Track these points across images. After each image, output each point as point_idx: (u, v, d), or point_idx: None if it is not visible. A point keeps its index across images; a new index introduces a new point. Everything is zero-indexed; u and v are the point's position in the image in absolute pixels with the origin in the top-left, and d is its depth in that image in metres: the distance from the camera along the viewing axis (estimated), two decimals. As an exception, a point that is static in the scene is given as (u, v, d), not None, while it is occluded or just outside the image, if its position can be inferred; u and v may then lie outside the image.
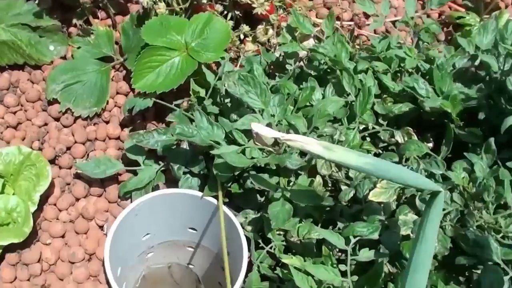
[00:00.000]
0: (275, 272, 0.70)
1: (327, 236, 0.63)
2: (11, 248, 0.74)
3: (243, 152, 0.71)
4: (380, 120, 0.76)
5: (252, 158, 0.70)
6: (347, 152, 0.56)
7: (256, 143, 0.60)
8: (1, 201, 0.73)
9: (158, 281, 0.86)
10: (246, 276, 0.70)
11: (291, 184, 0.71)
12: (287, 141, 0.57)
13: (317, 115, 0.70)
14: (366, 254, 0.63)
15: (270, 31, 0.89)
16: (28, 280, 0.75)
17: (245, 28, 0.89)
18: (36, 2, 0.91)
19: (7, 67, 0.89)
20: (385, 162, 0.56)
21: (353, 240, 0.63)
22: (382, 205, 0.66)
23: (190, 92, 0.79)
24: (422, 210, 0.63)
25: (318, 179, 0.71)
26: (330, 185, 0.73)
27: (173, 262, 0.85)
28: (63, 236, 0.78)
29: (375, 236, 0.64)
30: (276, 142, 0.64)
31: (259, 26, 0.89)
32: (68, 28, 0.93)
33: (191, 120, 0.78)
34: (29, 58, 0.88)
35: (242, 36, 0.90)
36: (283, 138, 0.57)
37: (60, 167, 0.82)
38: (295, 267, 0.64)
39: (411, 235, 0.63)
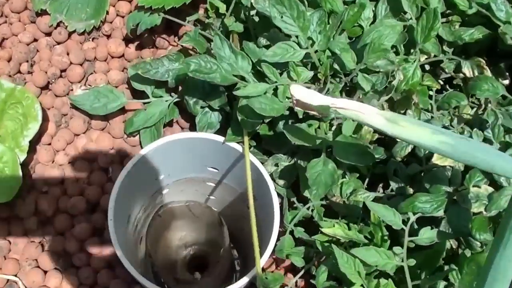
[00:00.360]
0: (312, 236, 0.59)
1: (380, 212, 0.51)
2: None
3: (274, 92, 0.57)
4: (445, 47, 0.61)
5: (288, 98, 0.57)
6: (418, 127, 0.43)
7: (296, 108, 0.46)
8: (-19, 147, 0.61)
9: (176, 215, 0.77)
10: (277, 239, 0.59)
11: (333, 129, 0.58)
12: (338, 109, 0.44)
13: (370, 49, 0.55)
14: (427, 235, 0.51)
15: None
16: (25, 235, 0.65)
17: None
18: None
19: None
20: (469, 142, 0.42)
21: (412, 218, 0.51)
22: (448, 172, 0.53)
23: (207, 7, 0.63)
24: (502, 186, 0.50)
25: (366, 127, 0.58)
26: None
27: (191, 199, 0.75)
28: (61, 183, 0.67)
29: (440, 213, 0.51)
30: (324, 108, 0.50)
31: None
32: None
33: (208, 40, 0.64)
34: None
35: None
36: (334, 106, 0.44)
37: (55, 95, 0.70)
38: (339, 246, 0.53)
39: (484, 212, 0.51)
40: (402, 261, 0.51)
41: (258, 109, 0.54)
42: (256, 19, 0.63)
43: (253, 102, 0.54)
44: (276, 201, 0.58)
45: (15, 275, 0.64)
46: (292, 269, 0.65)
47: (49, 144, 0.68)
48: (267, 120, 0.59)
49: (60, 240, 0.65)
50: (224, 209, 0.77)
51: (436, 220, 0.52)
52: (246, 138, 0.59)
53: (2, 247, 0.64)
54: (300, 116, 0.56)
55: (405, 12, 0.60)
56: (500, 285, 0.43)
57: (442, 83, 0.62)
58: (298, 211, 0.60)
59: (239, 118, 0.57)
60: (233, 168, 0.67)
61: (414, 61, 0.58)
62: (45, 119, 0.67)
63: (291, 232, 0.60)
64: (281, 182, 0.61)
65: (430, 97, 0.60)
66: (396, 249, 0.51)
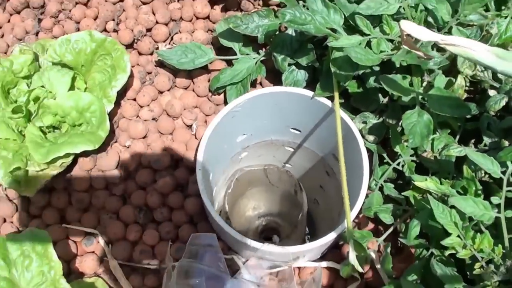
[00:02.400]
0: (402, 193, 0.63)
1: (479, 161, 0.55)
2: (84, 152, 0.70)
3: (368, 45, 0.62)
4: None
5: (381, 52, 0.62)
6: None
7: (404, 46, 0.51)
8: (71, 98, 0.68)
9: (252, 181, 0.82)
10: (366, 196, 0.64)
11: (424, 85, 0.63)
12: (447, 45, 0.48)
13: (465, 1, 0.59)
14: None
15: None
16: (105, 189, 0.71)
17: None
18: None
19: None
20: None
21: (511, 167, 0.55)
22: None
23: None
24: None
25: (460, 80, 0.62)
26: (472, 89, 0.64)
27: (269, 163, 0.80)
28: (144, 137, 0.73)
29: (539, 163, 0.56)
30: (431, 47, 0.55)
31: None
32: None
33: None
34: None
35: None
36: (443, 42, 0.48)
37: (140, 53, 0.76)
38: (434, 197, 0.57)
39: None
40: (499, 212, 0.55)
41: (354, 58, 0.59)
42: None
43: (350, 51, 0.59)
44: (365, 156, 0.63)
45: (94, 228, 0.70)
46: (375, 233, 0.69)
47: (134, 99, 0.74)
48: (359, 73, 0.64)
49: (141, 194, 0.70)
50: (300, 178, 0.82)
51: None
52: (336, 93, 0.64)
53: (83, 199, 0.70)
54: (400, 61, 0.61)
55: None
56: None
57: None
58: (387, 167, 0.64)
59: (332, 70, 0.62)
60: (316, 129, 0.72)
61: (507, 16, 0.62)
62: (130, 75, 0.74)
63: (380, 189, 0.65)
64: (371, 138, 0.66)
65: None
66: (494, 199, 0.55)
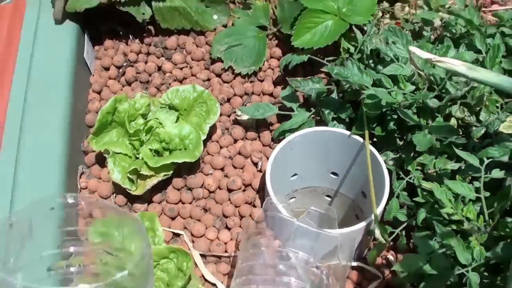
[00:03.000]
0: (413, 199, 0.90)
1: (464, 156, 0.83)
2: (178, 173, 0.99)
3: (389, 94, 0.93)
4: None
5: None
6: (487, 72, 0.78)
7: (411, 64, 0.83)
8: (176, 128, 0.98)
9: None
10: (386, 203, 0.90)
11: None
12: (437, 62, 0.79)
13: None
14: (497, 174, 0.83)
15: (407, 8, 1.12)
16: (190, 203, 0.99)
17: (385, 4, 1.13)
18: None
19: (175, 31, 1.16)
20: None
21: (486, 161, 0.83)
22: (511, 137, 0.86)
23: (341, 50, 1.03)
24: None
25: (453, 121, 0.92)
26: (462, 129, 0.94)
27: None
28: (222, 169, 1.02)
29: (505, 158, 0.83)
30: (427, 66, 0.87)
31: (397, 4, 1.13)
32: (229, 1, 1.20)
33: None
34: (195, 24, 1.15)
35: (380, 14, 1.14)
36: (435, 59, 0.79)
37: (221, 114, 1.07)
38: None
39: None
40: (479, 193, 0.82)
41: (380, 96, 0.89)
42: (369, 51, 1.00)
43: (378, 92, 0.90)
44: (387, 174, 0.91)
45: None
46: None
47: (217, 141, 1.04)
48: (384, 109, 0.94)
49: (219, 206, 0.98)
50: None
51: (506, 168, 0.84)
52: (366, 131, 0.94)
53: (173, 209, 0.98)
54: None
55: (479, 52, 0.97)
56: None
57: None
58: (402, 181, 0.92)
59: (364, 110, 0.93)
60: (350, 169, 1.00)
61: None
62: (214, 127, 1.04)
63: (397, 196, 0.92)
64: (390, 163, 0.94)
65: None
66: (475, 183, 0.83)
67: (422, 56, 0.79)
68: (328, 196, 1.06)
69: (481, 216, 0.80)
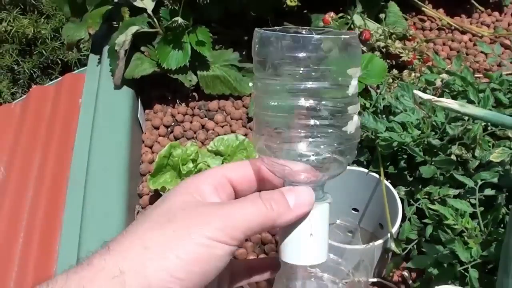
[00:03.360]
0: (422, 222, 1.10)
1: (461, 179, 1.04)
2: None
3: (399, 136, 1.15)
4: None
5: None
6: (475, 108, 0.99)
7: (415, 105, 1.05)
8: (222, 169, 1.19)
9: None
10: (400, 226, 1.10)
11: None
12: (436, 102, 1.01)
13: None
14: (489, 192, 1.03)
15: (413, 74, 1.36)
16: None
17: (395, 71, 1.36)
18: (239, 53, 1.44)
19: (216, 96, 1.40)
20: (502, 115, 0.99)
21: (479, 183, 1.04)
22: (499, 165, 1.07)
23: (358, 105, 1.25)
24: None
25: (453, 157, 1.13)
26: (461, 166, 1.15)
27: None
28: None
29: (495, 180, 1.03)
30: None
31: (405, 71, 1.37)
32: (263, 70, 1.44)
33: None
34: (234, 90, 1.39)
35: (391, 80, 1.37)
36: (433, 100, 1.01)
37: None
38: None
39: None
40: (475, 208, 1.02)
41: (393, 136, 1.11)
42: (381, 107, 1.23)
43: (391, 134, 1.11)
44: (399, 202, 1.11)
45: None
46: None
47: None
48: (395, 147, 1.15)
49: (256, 235, 1.18)
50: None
51: (497, 188, 1.04)
52: (381, 168, 1.15)
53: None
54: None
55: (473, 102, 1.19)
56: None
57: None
58: (413, 207, 1.12)
59: (379, 149, 1.14)
60: (370, 203, 1.20)
61: (478, 124, 1.16)
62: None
63: (409, 219, 1.11)
64: (402, 193, 1.15)
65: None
66: (472, 200, 1.03)
67: (423, 97, 1.01)
68: (349, 232, 1.25)
69: (477, 226, 1.00)
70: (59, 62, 2.14)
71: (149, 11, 1.34)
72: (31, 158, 1.35)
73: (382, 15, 1.39)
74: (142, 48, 1.35)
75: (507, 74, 1.25)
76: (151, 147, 1.33)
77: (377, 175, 1.15)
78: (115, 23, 1.41)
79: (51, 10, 2.14)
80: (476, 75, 1.34)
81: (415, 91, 1.05)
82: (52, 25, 2.15)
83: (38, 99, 1.48)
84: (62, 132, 1.39)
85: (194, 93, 1.41)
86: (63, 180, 1.27)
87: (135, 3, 1.34)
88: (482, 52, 1.42)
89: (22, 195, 1.28)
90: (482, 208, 1.02)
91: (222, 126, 1.35)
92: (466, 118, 1.13)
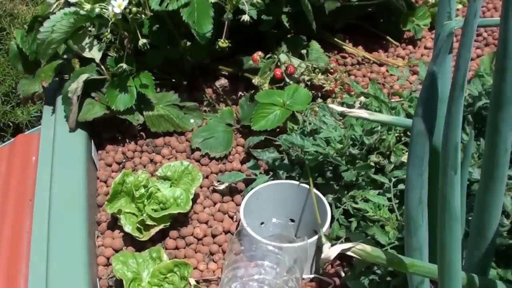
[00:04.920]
0: (349, 220, 1.30)
1: (378, 178, 1.25)
2: (174, 227, 1.39)
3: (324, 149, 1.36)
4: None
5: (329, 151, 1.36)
6: (382, 115, 1.22)
7: (334, 120, 1.27)
8: (171, 192, 1.38)
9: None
10: (330, 227, 1.30)
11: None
12: (349, 112, 1.23)
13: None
14: (401, 187, 1.25)
15: (336, 101, 1.59)
16: (184, 248, 1.37)
17: (319, 101, 1.59)
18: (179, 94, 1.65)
19: (162, 133, 1.59)
20: (403, 118, 1.21)
21: (393, 180, 1.25)
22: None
23: (287, 129, 1.47)
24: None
25: (372, 164, 1.35)
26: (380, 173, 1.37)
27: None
28: (207, 223, 1.41)
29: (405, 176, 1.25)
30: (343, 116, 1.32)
31: (328, 99, 1.59)
32: (203, 107, 1.65)
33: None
34: (177, 127, 1.59)
35: (316, 108, 1.60)
36: (347, 111, 1.23)
37: (202, 186, 1.48)
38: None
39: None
40: (391, 201, 1.23)
41: (318, 150, 1.32)
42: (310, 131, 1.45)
43: (317, 149, 1.33)
44: (328, 206, 1.31)
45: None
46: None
47: (201, 204, 1.44)
48: (320, 159, 1.36)
49: (206, 248, 1.36)
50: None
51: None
52: (310, 179, 1.36)
53: (171, 253, 1.36)
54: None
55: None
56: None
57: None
58: (340, 209, 1.32)
59: (307, 162, 1.35)
60: (303, 213, 1.40)
61: (391, 134, 1.38)
62: (197, 195, 1.45)
63: (337, 220, 1.32)
64: (330, 199, 1.35)
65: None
66: (387, 195, 1.24)
67: (338, 110, 1.23)
68: (289, 242, 1.45)
69: (393, 215, 1.21)
70: (11, 124, 2.31)
71: (97, 61, 1.54)
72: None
73: (304, 51, 1.63)
74: (93, 94, 1.54)
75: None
76: (105, 182, 1.51)
77: (307, 186, 1.35)
78: (67, 76, 1.60)
79: (0, 76, 2.33)
80: (392, 100, 1.58)
81: (330, 105, 1.27)
82: (2, 90, 2.34)
83: (-7, 160, 1.63)
84: (18, 186, 1.53)
85: (141, 133, 1.61)
86: (22, 228, 1.41)
87: (84, 54, 1.54)
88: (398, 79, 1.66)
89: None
90: (397, 201, 1.23)
91: (169, 159, 1.55)
92: (380, 129, 1.35)
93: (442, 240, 0.79)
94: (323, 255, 0.78)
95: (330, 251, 0.78)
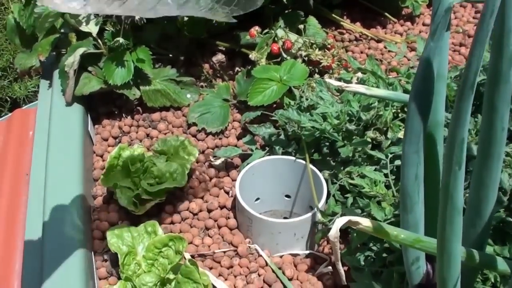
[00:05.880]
0: (345, 196, 1.29)
1: (375, 153, 1.23)
2: (170, 201, 1.37)
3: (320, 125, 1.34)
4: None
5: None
6: (379, 90, 1.20)
7: (331, 95, 1.25)
8: (166, 166, 1.36)
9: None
10: (326, 203, 1.29)
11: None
12: (345, 87, 1.21)
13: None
14: (398, 163, 1.23)
15: (333, 77, 1.56)
16: (180, 222, 1.36)
17: (316, 76, 1.57)
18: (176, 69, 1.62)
19: (158, 108, 1.57)
20: (400, 93, 1.19)
21: (389, 156, 1.23)
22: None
23: (284, 105, 1.45)
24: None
25: (368, 140, 1.33)
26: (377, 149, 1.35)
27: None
28: (202, 198, 1.40)
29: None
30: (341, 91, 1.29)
31: (326, 75, 1.57)
32: (199, 83, 1.63)
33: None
34: (174, 102, 1.57)
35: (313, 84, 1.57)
36: (344, 86, 1.21)
37: (198, 161, 1.46)
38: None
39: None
40: (388, 177, 1.21)
41: (315, 126, 1.30)
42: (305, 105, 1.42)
43: (314, 124, 1.31)
44: (324, 182, 1.30)
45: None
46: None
47: (196, 178, 1.43)
48: (317, 134, 1.34)
49: (202, 222, 1.34)
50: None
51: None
52: (307, 155, 1.34)
53: (167, 227, 1.34)
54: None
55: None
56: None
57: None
58: (336, 184, 1.31)
59: (303, 137, 1.33)
60: (300, 189, 1.38)
61: (388, 110, 1.36)
62: (193, 170, 1.43)
63: (333, 196, 1.30)
64: (326, 175, 1.33)
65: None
66: (384, 171, 1.22)
67: (334, 84, 1.21)
68: (285, 217, 1.44)
69: (389, 191, 1.19)
70: (8, 99, 2.29)
71: (94, 35, 1.52)
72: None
73: (302, 27, 1.60)
74: (90, 68, 1.52)
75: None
76: (101, 156, 1.49)
77: (303, 161, 1.34)
78: (64, 50, 1.57)
79: (-2, 50, 2.31)
80: (390, 76, 1.55)
81: (327, 80, 1.25)
82: (0, 64, 2.31)
83: (-10, 134, 1.61)
84: (15, 161, 1.51)
85: (138, 107, 1.58)
86: (19, 203, 1.39)
87: (81, 28, 1.51)
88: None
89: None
90: (394, 177, 1.21)
91: (165, 134, 1.53)
92: (377, 105, 1.33)
93: (443, 229, 0.77)
94: (331, 232, 0.76)
95: (338, 222, 0.76)
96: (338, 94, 1.42)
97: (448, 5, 0.74)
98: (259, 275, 1.23)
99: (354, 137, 1.30)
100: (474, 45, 0.66)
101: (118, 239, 1.22)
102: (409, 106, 0.81)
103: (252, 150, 1.42)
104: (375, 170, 1.25)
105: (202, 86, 1.63)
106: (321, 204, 1.25)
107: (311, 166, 1.31)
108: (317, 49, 1.57)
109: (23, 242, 1.28)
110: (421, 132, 0.82)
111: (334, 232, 0.74)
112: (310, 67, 1.55)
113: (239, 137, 1.51)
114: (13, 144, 1.54)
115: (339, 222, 0.74)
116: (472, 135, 1.13)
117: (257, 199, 1.38)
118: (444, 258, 0.76)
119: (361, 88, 1.16)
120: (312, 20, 1.63)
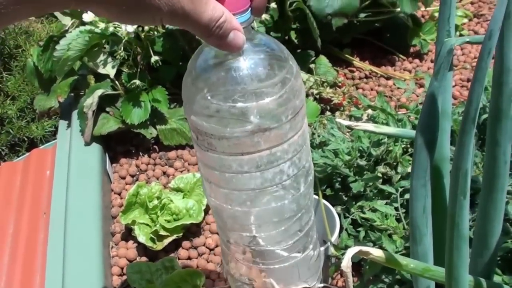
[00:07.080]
0: (357, 230, 1.33)
1: (385, 188, 1.28)
2: (186, 237, 1.41)
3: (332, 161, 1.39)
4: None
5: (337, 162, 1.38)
6: (387, 127, 1.25)
7: (341, 133, 1.30)
8: (183, 203, 1.41)
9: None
10: (339, 236, 1.33)
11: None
12: (355, 126, 1.26)
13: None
14: (408, 196, 1.27)
15: (344, 114, 1.61)
16: (197, 258, 1.40)
17: (328, 114, 1.62)
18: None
19: (174, 146, 1.62)
20: (407, 130, 1.24)
21: (400, 190, 1.28)
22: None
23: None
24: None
25: (379, 175, 1.38)
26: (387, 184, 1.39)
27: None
28: (218, 233, 1.44)
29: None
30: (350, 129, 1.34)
31: (337, 112, 1.62)
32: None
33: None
34: (189, 140, 1.61)
35: (325, 121, 1.62)
36: (353, 125, 1.26)
37: (213, 198, 1.51)
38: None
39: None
40: (398, 210, 1.25)
41: (327, 162, 1.35)
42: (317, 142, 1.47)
43: (326, 160, 1.36)
44: (337, 216, 1.34)
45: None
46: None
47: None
48: (329, 171, 1.39)
49: (218, 257, 1.39)
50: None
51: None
52: (319, 191, 1.38)
53: (184, 263, 1.39)
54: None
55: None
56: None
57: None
58: (348, 218, 1.35)
59: (316, 174, 1.37)
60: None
61: (398, 146, 1.40)
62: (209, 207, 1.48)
63: (346, 230, 1.34)
64: (338, 209, 1.38)
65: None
66: (394, 205, 1.26)
67: (344, 124, 1.26)
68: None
69: (400, 224, 1.24)
70: (26, 139, 2.35)
71: (112, 76, 1.58)
72: (5, 225, 1.51)
73: (313, 66, 1.66)
74: (107, 109, 1.58)
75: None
76: (119, 194, 1.54)
77: (316, 197, 1.38)
78: (82, 91, 1.64)
79: (16, 92, 2.37)
80: (399, 112, 1.60)
81: (337, 120, 1.30)
82: (18, 105, 2.38)
83: (8, 173, 1.66)
84: (32, 200, 1.56)
85: (154, 146, 1.64)
86: (36, 241, 1.44)
87: (99, 70, 1.58)
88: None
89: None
90: (404, 210, 1.25)
91: (181, 171, 1.58)
92: (387, 140, 1.37)
93: (451, 257, 0.81)
94: (343, 262, 0.80)
95: (349, 252, 0.80)
96: (349, 130, 1.47)
97: (450, 47, 0.79)
98: (274, 308, 1.26)
99: (365, 172, 1.35)
100: (473, 82, 0.71)
101: (137, 274, 1.26)
102: (416, 141, 0.86)
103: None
104: (386, 204, 1.29)
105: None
106: (334, 238, 1.29)
107: (323, 201, 1.35)
108: (328, 87, 1.62)
109: (44, 278, 1.32)
110: (427, 166, 0.86)
111: (346, 262, 0.78)
112: (322, 105, 1.60)
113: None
114: (31, 183, 1.60)
115: (351, 252, 0.78)
116: (480, 168, 1.17)
117: (272, 233, 1.42)
118: (453, 285, 0.80)
119: (370, 127, 1.20)
120: (323, 59, 1.69)
